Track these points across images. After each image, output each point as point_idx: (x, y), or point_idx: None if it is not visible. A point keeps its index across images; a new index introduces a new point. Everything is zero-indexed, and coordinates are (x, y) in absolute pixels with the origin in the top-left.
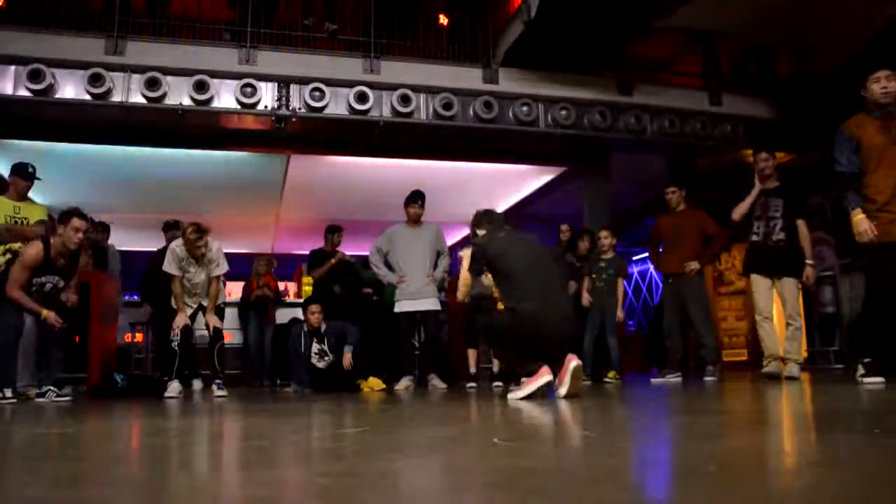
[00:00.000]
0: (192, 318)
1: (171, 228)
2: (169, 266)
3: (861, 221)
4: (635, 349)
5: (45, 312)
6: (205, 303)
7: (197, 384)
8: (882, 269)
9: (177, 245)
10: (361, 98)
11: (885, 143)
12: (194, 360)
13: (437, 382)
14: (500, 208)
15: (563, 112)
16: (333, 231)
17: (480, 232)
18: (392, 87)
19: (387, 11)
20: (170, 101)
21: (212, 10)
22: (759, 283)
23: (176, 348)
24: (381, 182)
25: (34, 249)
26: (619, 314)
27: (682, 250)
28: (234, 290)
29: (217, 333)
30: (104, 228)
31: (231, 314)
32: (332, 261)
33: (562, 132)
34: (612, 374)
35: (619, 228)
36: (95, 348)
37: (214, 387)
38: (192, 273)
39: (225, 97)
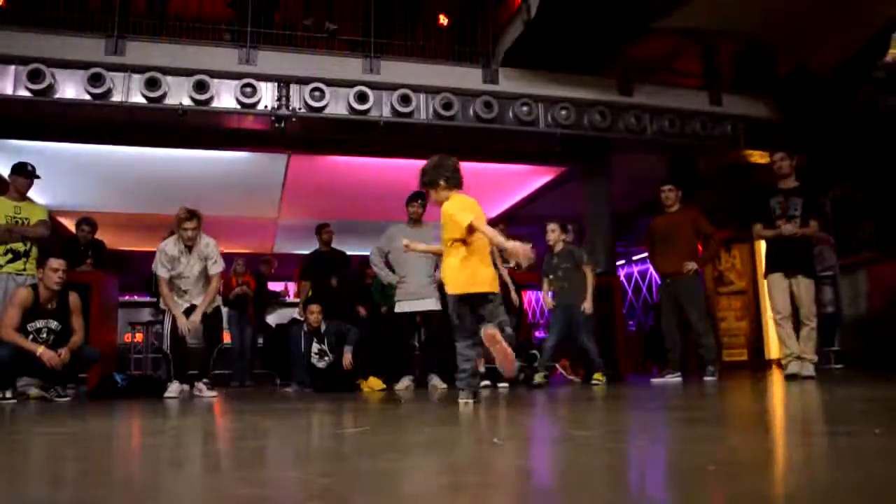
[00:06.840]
0: (186, 315)
1: None
2: (155, 266)
3: None
4: (635, 349)
5: (40, 350)
6: (196, 303)
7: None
8: None
9: (166, 244)
10: (361, 98)
11: None
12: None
13: (437, 383)
14: (501, 208)
15: (563, 112)
16: (320, 230)
17: None
18: (392, 87)
19: (387, 11)
20: (170, 101)
21: (212, 10)
22: (777, 282)
23: (168, 351)
24: (381, 182)
25: (24, 292)
26: (587, 305)
27: (677, 250)
28: None
29: (216, 335)
30: (90, 224)
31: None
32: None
33: (562, 132)
34: (597, 375)
35: (566, 225)
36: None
37: (203, 386)
38: (184, 266)
39: (225, 97)
